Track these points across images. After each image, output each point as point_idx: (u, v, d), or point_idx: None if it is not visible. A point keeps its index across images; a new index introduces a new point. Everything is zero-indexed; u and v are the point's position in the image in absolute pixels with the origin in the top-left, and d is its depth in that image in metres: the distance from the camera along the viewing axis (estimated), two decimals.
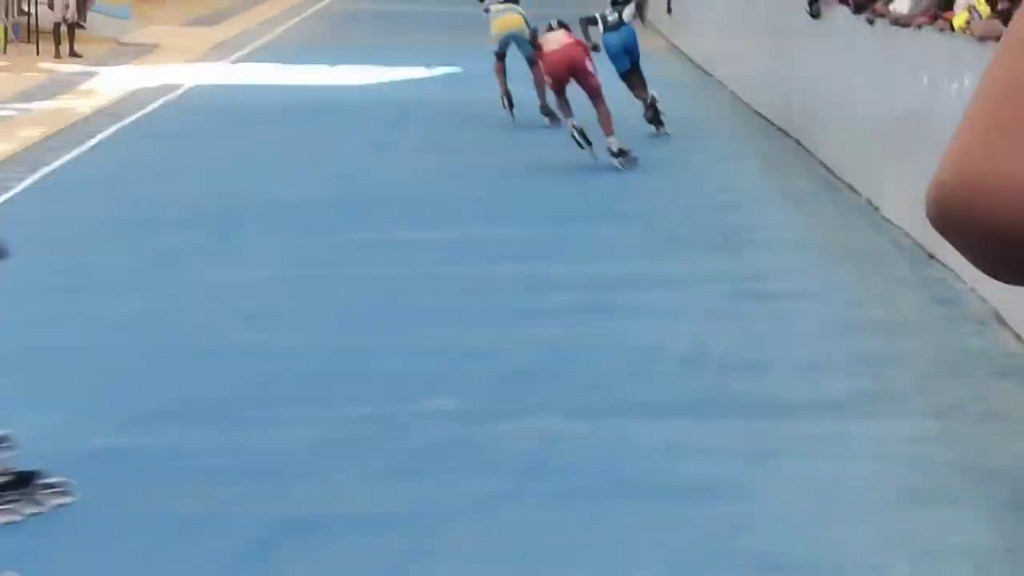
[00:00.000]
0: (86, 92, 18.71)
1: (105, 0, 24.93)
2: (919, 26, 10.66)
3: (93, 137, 15.34)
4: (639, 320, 8.99)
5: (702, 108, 18.00)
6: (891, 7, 11.62)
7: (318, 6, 30.20)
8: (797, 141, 14.92)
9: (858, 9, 12.49)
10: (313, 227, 11.50)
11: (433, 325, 8.90)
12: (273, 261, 10.41)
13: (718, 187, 13.32)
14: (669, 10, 24.89)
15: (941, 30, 10.08)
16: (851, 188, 12.63)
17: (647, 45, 24.66)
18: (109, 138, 15.43)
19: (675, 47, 24.02)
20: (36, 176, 13.32)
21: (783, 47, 15.92)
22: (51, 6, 21.76)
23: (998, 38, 8.94)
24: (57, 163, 13.95)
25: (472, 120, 17.29)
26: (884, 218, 11.46)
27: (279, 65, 21.35)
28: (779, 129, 15.76)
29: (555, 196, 12.73)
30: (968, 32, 9.40)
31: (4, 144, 14.81)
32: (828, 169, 13.47)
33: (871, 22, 11.97)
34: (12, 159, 14.11)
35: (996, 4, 9.16)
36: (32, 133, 15.51)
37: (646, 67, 16.46)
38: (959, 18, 9.76)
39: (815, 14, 14.13)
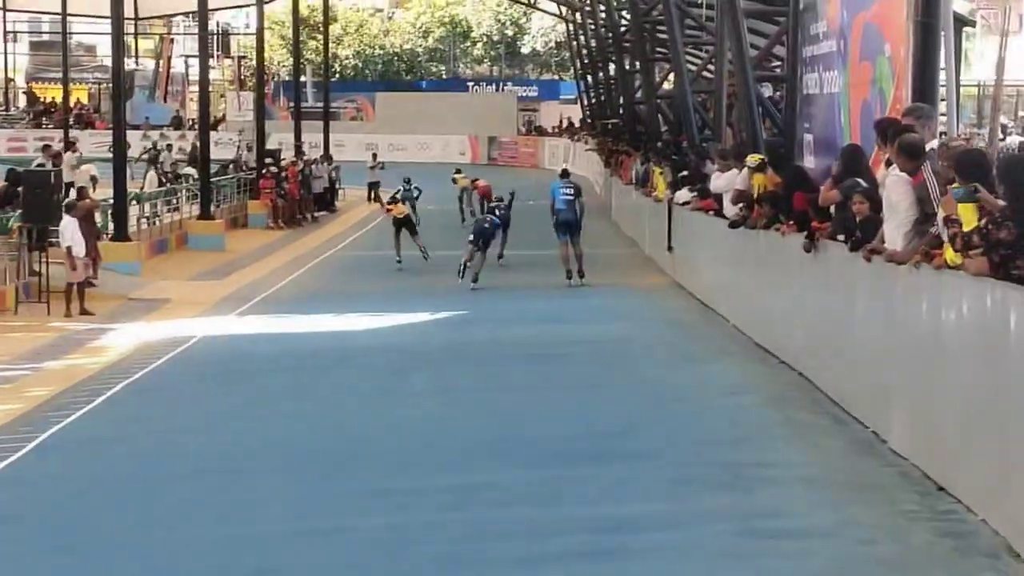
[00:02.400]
0: (96, 350, 18.87)
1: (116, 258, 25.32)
2: (916, 264, 10.81)
3: (101, 395, 15.41)
4: (649, 563, 8.91)
5: (705, 343, 18.12)
6: (885, 245, 11.81)
7: (322, 256, 30.63)
8: (801, 374, 14.96)
9: (854, 247, 12.67)
10: (318, 477, 11.49)
11: (440, 574, 8.82)
12: (278, 514, 10.37)
13: (724, 423, 13.31)
14: (670, 248, 25.22)
15: (938, 268, 10.21)
16: (857, 421, 12.61)
17: (649, 281, 25.09)
18: (117, 395, 15.51)
19: (676, 283, 24.30)
20: (43, 436, 13.35)
21: (782, 281, 16.10)
22: (73, 267, 22.05)
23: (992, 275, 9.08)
24: (65, 422, 13.99)
25: (478, 362, 17.43)
26: (891, 450, 11.43)
27: (285, 315, 21.58)
28: (782, 362, 15.82)
29: (561, 437, 12.72)
30: (963, 269, 9.55)
31: (13, 404, 14.89)
32: (834, 402, 13.47)
33: (868, 259, 12.13)
34: (20, 420, 14.16)
35: (980, 226, 9.29)
36: (41, 393, 15.60)
37: (649, 302, 16.73)
38: (949, 252, 9.92)
39: (808, 248, 14.34)
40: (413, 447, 12.59)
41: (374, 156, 47.22)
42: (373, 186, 45.14)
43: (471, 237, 25.18)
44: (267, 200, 37.25)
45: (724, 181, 20.15)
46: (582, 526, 9.74)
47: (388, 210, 29.25)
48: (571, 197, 25.25)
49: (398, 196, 30.12)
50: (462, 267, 24.79)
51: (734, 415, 13.59)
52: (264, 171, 38.00)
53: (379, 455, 12.25)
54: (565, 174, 27.02)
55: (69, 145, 42.63)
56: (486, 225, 25.53)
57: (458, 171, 40.85)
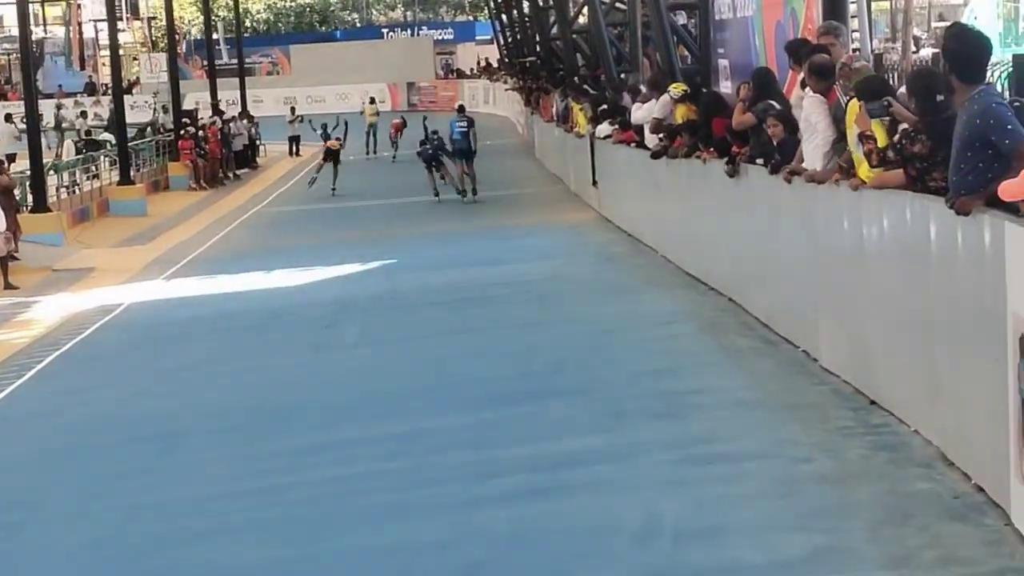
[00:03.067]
0: (23, 323, 18.68)
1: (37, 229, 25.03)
2: (836, 182, 10.89)
3: (31, 369, 15.27)
4: (589, 498, 8.96)
5: (634, 275, 18.20)
6: (804, 165, 11.89)
7: (246, 215, 30.43)
8: (730, 299, 15.06)
9: (774, 171, 12.73)
10: (255, 436, 11.46)
11: (383, 522, 8.85)
12: (218, 475, 10.34)
13: (657, 353, 13.40)
14: (595, 183, 25.27)
15: (855, 188, 10.28)
16: (788, 341, 12.72)
17: (576, 217, 25.16)
18: (47, 368, 15.38)
19: (603, 218, 24.36)
20: None
21: (707, 209, 16.17)
22: None
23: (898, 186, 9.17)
24: None
25: (409, 310, 17.41)
26: (823, 368, 11.54)
27: (213, 276, 21.45)
28: (711, 289, 15.92)
29: (496, 379, 12.75)
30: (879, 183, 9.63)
31: None
32: (764, 325, 13.58)
33: (789, 181, 12.20)
34: None
35: (894, 141, 9.36)
36: None
37: (577, 238, 16.91)
38: (862, 169, 10.00)
39: (731, 173, 14.39)
40: (349, 399, 12.58)
41: (292, 110, 46.94)
42: (294, 140, 44.86)
43: (425, 166, 30.25)
44: (187, 161, 36.93)
45: (644, 112, 20.16)
46: (522, 465, 9.78)
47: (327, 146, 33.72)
48: (465, 128, 29.93)
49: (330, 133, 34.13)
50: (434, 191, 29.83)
51: (666, 344, 13.68)
52: (183, 132, 37.64)
53: (315, 410, 12.21)
54: (461, 110, 32.14)
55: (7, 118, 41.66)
56: (430, 151, 30.00)
57: (372, 100, 42.41)
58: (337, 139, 33.94)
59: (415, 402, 12.18)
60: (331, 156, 33.40)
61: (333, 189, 33.13)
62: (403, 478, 9.80)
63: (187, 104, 43.89)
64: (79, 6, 74.86)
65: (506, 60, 58.06)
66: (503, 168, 37.58)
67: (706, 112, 16.29)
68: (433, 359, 14.08)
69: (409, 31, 77.43)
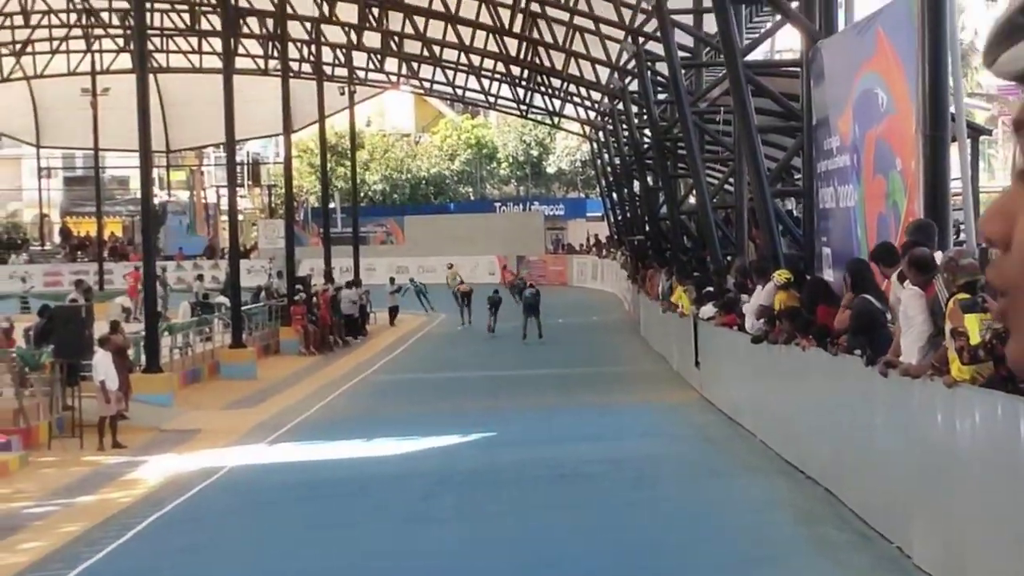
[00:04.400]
0: (128, 483, 19.02)
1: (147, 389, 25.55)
2: (931, 376, 10.91)
3: (131, 529, 15.53)
4: None
5: (732, 458, 18.17)
6: (900, 358, 11.93)
7: (351, 382, 30.81)
8: (827, 489, 14.98)
9: (870, 362, 12.76)
10: None
11: None
12: None
13: (750, 541, 13.34)
14: (697, 364, 25.34)
15: (949, 386, 10.30)
16: (882, 536, 12.61)
17: (677, 397, 25.19)
18: (147, 529, 15.63)
19: (704, 398, 24.38)
20: (76, 572, 13.47)
21: (805, 396, 16.17)
22: (107, 399, 22.30)
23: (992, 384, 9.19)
24: (96, 558, 14.11)
25: (506, 485, 17.50)
26: (916, 566, 11.43)
27: (316, 442, 21.72)
28: (808, 477, 15.84)
29: (588, 559, 12.77)
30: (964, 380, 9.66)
31: (44, 541, 15.02)
32: (859, 517, 13.48)
33: (884, 374, 12.23)
34: (51, 556, 14.29)
35: (985, 340, 9.40)
36: (72, 528, 15.73)
37: (677, 418, 17.18)
38: (955, 366, 10.04)
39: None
40: (440, 575, 12.66)
41: (392, 281, 47.84)
42: (393, 311, 45.62)
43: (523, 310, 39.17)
44: (299, 326, 37.59)
45: (752, 298, 20.29)
46: None
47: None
48: (535, 291, 39.52)
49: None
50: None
51: (760, 533, 13.62)
52: (295, 298, 38.43)
53: None
54: (531, 285, 41.81)
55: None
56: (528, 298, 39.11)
57: (450, 265, 44.41)
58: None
59: None
60: (465, 298, 42.36)
61: (464, 324, 41.16)
62: None
63: (301, 270, 44.82)
64: (202, 172, 77.08)
65: (615, 237, 58.67)
66: (608, 344, 37.83)
67: (811, 299, 16.40)
68: (529, 536, 14.14)
69: (521, 206, 78.57)
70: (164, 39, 53.40)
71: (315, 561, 13.50)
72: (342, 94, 52.70)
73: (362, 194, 72.13)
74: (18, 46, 53.21)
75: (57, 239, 72.63)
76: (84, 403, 23.02)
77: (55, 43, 53.74)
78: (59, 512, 16.86)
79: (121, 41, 52.98)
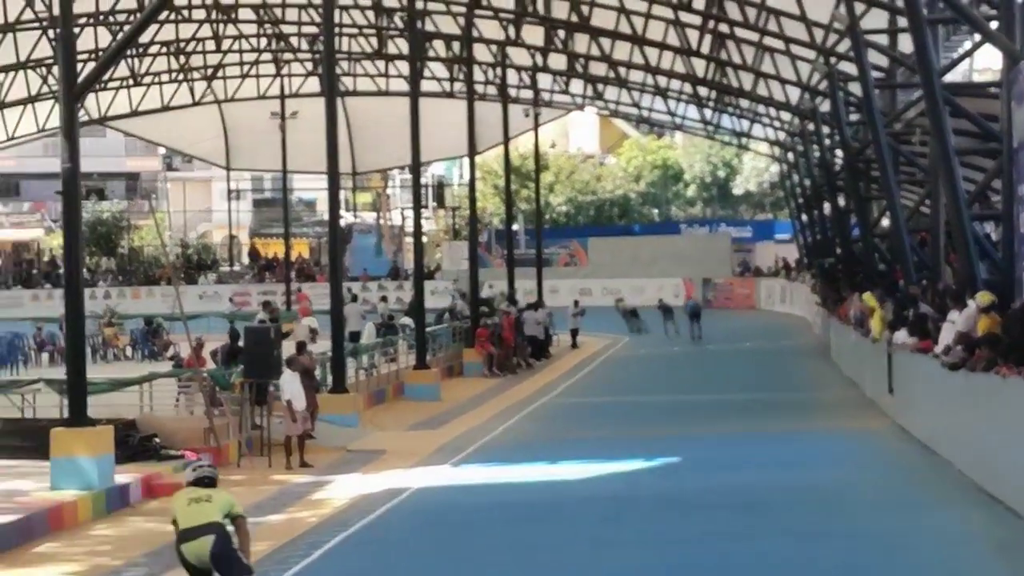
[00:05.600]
0: (315, 502, 19.14)
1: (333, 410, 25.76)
2: None
3: (319, 548, 15.60)
4: None
5: (926, 488, 17.62)
6: None
7: (534, 405, 30.70)
8: None
9: None
10: None
11: None
12: None
13: (946, 575, 12.84)
14: (891, 390, 24.67)
15: None
16: None
17: (868, 424, 24.55)
18: (334, 548, 15.68)
19: (898, 426, 23.72)
20: None
21: (1005, 424, 15.55)
22: (293, 419, 22.57)
23: None
24: None
25: (690, 510, 17.23)
26: None
27: (499, 465, 21.64)
28: (1009, 508, 15.22)
29: None
30: None
31: None
32: None
33: None
34: None
35: None
36: (260, 547, 15.80)
37: (868, 446, 16.85)
38: None
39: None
40: None
41: (576, 303, 47.77)
42: (574, 332, 45.53)
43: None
44: (483, 348, 37.69)
45: (948, 325, 19.67)
46: None
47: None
48: (696, 303, 49.03)
49: None
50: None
51: (955, 566, 13.11)
52: (481, 321, 38.56)
53: None
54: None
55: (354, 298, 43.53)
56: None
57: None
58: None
59: None
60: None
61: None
62: None
63: (485, 292, 44.96)
64: (388, 196, 78.03)
65: (805, 260, 57.75)
66: (797, 369, 37.18)
67: (1020, 327, 15.78)
68: (711, 564, 13.83)
69: (707, 227, 77.91)
70: (352, 63, 54.15)
71: None
72: (527, 116, 52.80)
73: (546, 216, 72.28)
74: (210, 71, 54.36)
75: (245, 260, 74.18)
76: (272, 423, 23.32)
77: (245, 67, 54.79)
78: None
79: (310, 65, 53.82)
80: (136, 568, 14.77)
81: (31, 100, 53.30)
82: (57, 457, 18.71)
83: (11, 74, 50.83)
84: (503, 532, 16.52)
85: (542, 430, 26.47)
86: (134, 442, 21.16)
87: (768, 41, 37.69)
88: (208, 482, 11.53)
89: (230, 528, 11.22)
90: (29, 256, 75.67)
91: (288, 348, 25.32)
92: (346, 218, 61.91)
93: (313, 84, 53.75)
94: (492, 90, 52.32)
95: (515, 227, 61.76)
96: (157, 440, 21.66)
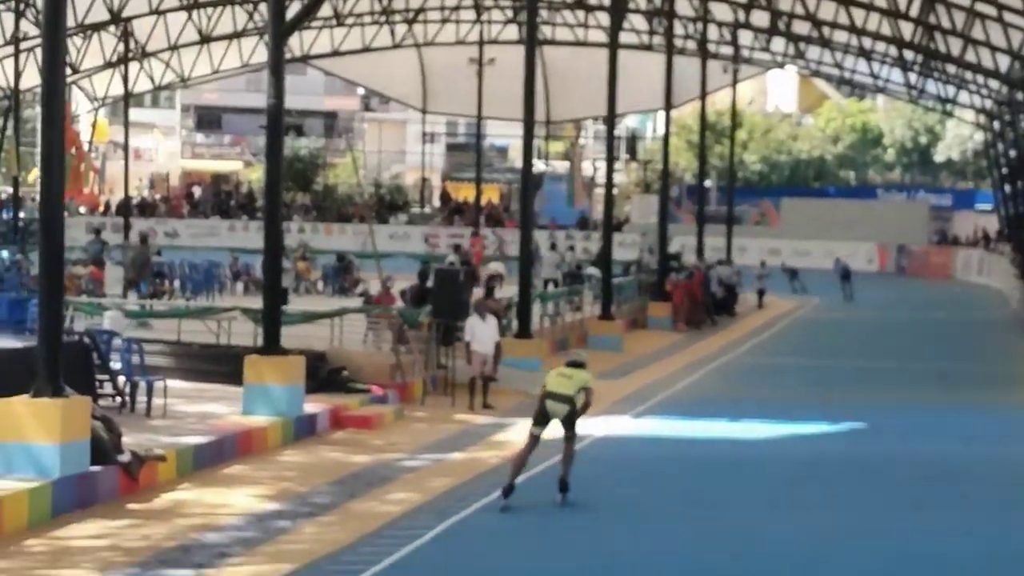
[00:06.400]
0: (496, 443, 19.32)
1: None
2: None
3: (498, 488, 15.72)
4: None
5: None
6: None
7: (717, 362, 30.49)
8: None
9: None
10: None
11: None
12: None
13: None
14: None
15: None
16: None
17: None
18: (515, 488, 15.80)
19: None
20: (444, 525, 13.77)
21: None
22: (469, 361, 22.82)
23: None
24: (464, 513, 14.39)
25: (873, 477, 17.00)
26: None
27: (680, 419, 21.58)
28: None
29: (961, 562, 12.20)
30: None
31: (416, 494, 15.40)
32: None
33: None
34: (421, 508, 14.64)
35: None
36: (442, 483, 16.08)
37: None
38: None
39: None
40: (804, 563, 12.34)
41: (763, 264, 47.23)
42: (760, 293, 45.05)
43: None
44: (678, 301, 37.59)
45: None
46: None
47: None
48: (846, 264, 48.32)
49: None
50: None
51: None
52: (673, 275, 38.48)
53: (767, 571, 12.04)
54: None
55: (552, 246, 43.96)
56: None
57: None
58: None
59: (865, 572, 11.83)
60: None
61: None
62: None
63: (672, 247, 44.72)
64: (581, 146, 77.97)
65: (1005, 232, 56.21)
66: (992, 342, 36.39)
67: None
68: (894, 533, 13.65)
69: (905, 193, 76.24)
70: (551, 12, 54.16)
71: (670, 543, 13.38)
72: (725, 72, 52.24)
73: (739, 174, 71.54)
74: (411, 14, 54.92)
75: (436, 202, 74.88)
76: (457, 364, 23.58)
77: (446, 12, 55.20)
78: (430, 467, 17.27)
79: (510, 12, 53.99)
80: (321, 495, 15.09)
81: (237, 36, 54.54)
82: (250, 383, 19.19)
83: (219, 9, 52.06)
84: (682, 485, 16.52)
85: (725, 387, 26.31)
86: (323, 374, 21.57)
87: (979, 7, 36.62)
88: (575, 365, 15.82)
89: (580, 399, 15.46)
90: (227, 188, 77.48)
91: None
92: (538, 166, 61.97)
93: (512, 31, 53.95)
94: (691, 45, 51.84)
95: (707, 184, 61.22)
96: (345, 373, 22.06)
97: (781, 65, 58.36)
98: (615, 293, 35.13)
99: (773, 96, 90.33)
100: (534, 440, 15.37)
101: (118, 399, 18.69)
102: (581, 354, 16.78)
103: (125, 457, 14.90)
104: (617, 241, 42.76)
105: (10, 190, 57.61)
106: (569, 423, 15.47)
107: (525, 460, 15.27)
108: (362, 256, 42.31)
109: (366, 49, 58.25)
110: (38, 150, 17.09)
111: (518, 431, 20.33)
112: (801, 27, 47.72)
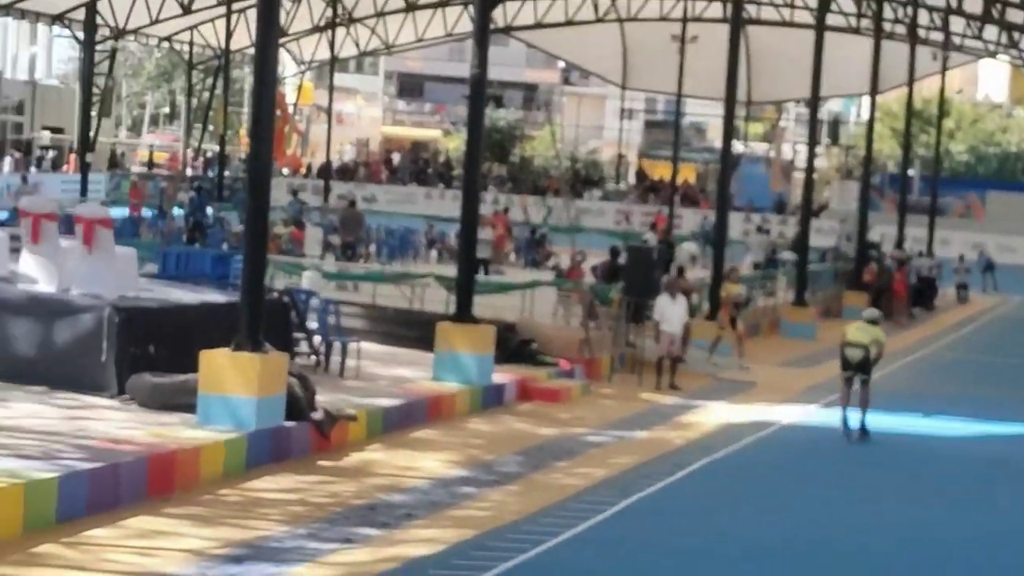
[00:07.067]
0: (681, 424, 19.27)
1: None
2: None
3: (683, 469, 15.75)
4: None
5: None
6: None
7: (917, 354, 29.86)
8: None
9: None
10: None
11: None
12: None
13: None
14: None
15: None
16: None
17: None
18: (697, 471, 15.80)
19: None
20: (627, 502, 13.81)
21: None
22: (657, 339, 22.76)
23: None
24: (648, 491, 14.43)
25: None
26: None
27: (871, 412, 21.18)
28: None
29: None
30: None
31: (600, 468, 15.46)
32: None
33: None
34: (606, 483, 14.69)
35: None
36: (626, 460, 16.11)
37: None
38: None
39: None
40: (987, 567, 12.11)
41: (961, 258, 46.07)
42: (961, 287, 43.98)
43: None
44: (900, 293, 37.06)
45: None
46: None
47: None
48: None
49: None
50: None
51: None
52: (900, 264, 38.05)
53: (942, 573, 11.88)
54: None
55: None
56: None
57: None
58: None
59: None
60: None
61: None
62: None
63: (872, 235, 43.89)
64: (782, 128, 77.00)
65: None
66: None
67: None
68: None
69: None
70: None
71: (843, 532, 13.25)
72: (934, 59, 51.02)
73: (944, 164, 69.86)
74: None
75: (632, 179, 74.64)
76: (646, 342, 23.54)
77: None
78: (614, 444, 17.30)
79: None
80: (506, 464, 15.24)
81: (442, 4, 55.06)
82: (441, 350, 19.43)
83: None
84: (866, 479, 16.28)
85: (921, 381, 25.80)
86: (513, 345, 21.71)
87: None
88: (871, 322, 19.29)
89: (873, 349, 18.85)
90: (426, 155, 78.36)
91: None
92: (736, 147, 61.37)
93: (716, 9, 53.39)
94: (900, 29, 50.73)
95: (910, 173, 59.91)
96: (535, 345, 22.18)
97: (993, 54, 56.74)
98: (810, 280, 34.64)
99: (983, 86, 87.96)
100: (847, 382, 18.94)
101: (313, 358, 19.09)
102: (874, 312, 19.93)
103: (318, 415, 15.22)
104: (814, 227, 42.08)
105: (216, 148, 59.18)
106: (864, 369, 18.77)
107: (847, 398, 18.84)
108: (555, 230, 42.45)
109: (568, 22, 58.29)
110: (245, 110, 17.47)
111: (704, 413, 20.25)
112: (1015, 15, 46.35)
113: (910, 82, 46.95)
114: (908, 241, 45.72)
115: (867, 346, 18.78)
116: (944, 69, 51.43)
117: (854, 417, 18.81)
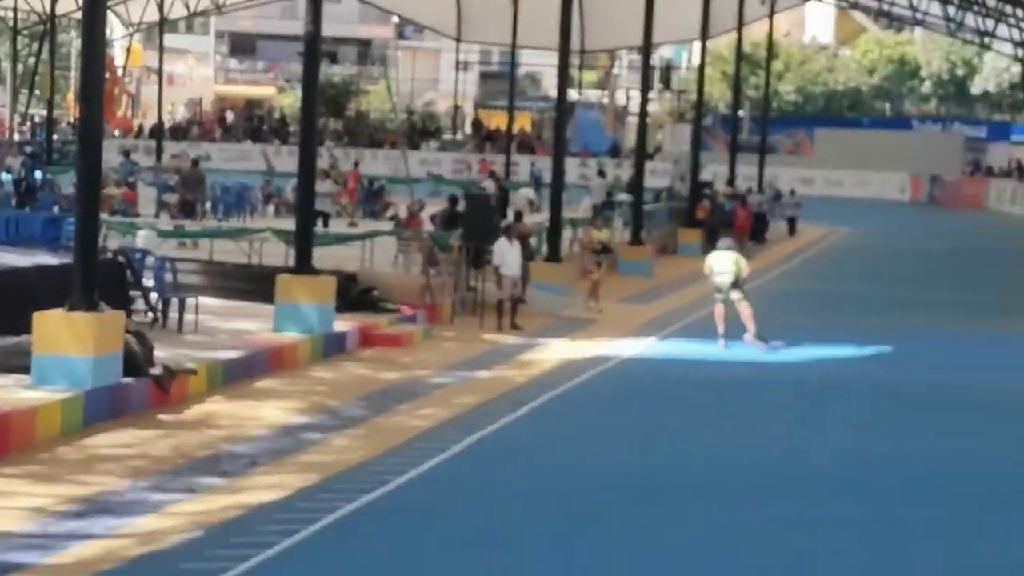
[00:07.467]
0: (522, 363, 19.49)
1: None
2: None
3: (525, 405, 15.96)
4: None
5: None
6: None
7: (748, 286, 30.51)
8: None
9: None
10: (728, 499, 11.59)
11: None
12: (694, 529, 10.55)
13: None
14: None
15: None
16: None
17: None
18: (540, 407, 16.02)
19: None
20: (470, 440, 13.96)
21: None
22: (499, 285, 22.94)
23: None
24: (489, 429, 14.58)
25: (899, 401, 17.14)
26: None
27: (706, 341, 21.66)
28: None
29: (982, 478, 12.34)
30: None
31: (442, 409, 15.60)
32: None
33: None
34: (448, 423, 14.83)
35: None
36: (469, 400, 16.27)
37: None
38: None
39: None
40: (827, 477, 12.53)
41: (792, 192, 47.14)
42: (791, 220, 45.01)
43: None
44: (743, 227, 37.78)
45: None
46: (998, 564, 9.46)
47: None
48: None
49: None
50: None
51: None
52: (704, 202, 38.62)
53: (792, 483, 12.25)
54: None
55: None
56: None
57: None
58: None
59: (893, 490, 11.98)
60: None
61: None
62: (870, 564, 9.69)
63: (705, 175, 44.63)
64: (616, 75, 77.64)
65: None
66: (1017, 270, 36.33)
67: None
68: (921, 452, 13.82)
69: (940, 125, 75.71)
70: None
71: (696, 456, 13.57)
72: (762, 3, 51.85)
73: (773, 104, 71.14)
74: None
75: (468, 130, 74.76)
76: (486, 286, 23.72)
77: None
78: (457, 384, 17.46)
79: None
80: (350, 410, 15.30)
81: None
82: (281, 302, 19.39)
83: None
84: (707, 404, 16.67)
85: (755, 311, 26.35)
86: (354, 294, 21.71)
87: None
88: (727, 248, 21.63)
89: (738, 269, 21.11)
90: (260, 113, 77.52)
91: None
92: (571, 95, 61.74)
93: None
94: None
95: (741, 113, 60.91)
96: (375, 293, 22.23)
97: None
98: (645, 220, 35.16)
99: (810, 28, 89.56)
100: (723, 302, 21.09)
101: (150, 315, 18.92)
102: (729, 241, 22.40)
103: (156, 370, 15.13)
104: (649, 169, 42.64)
105: (44, 113, 57.96)
106: (737, 287, 21.08)
107: (723, 317, 20.97)
108: (394, 181, 42.42)
109: None
110: (72, 75, 17.21)
111: (545, 351, 20.51)
112: None
113: (739, 26, 47.71)
114: (740, 179, 46.58)
115: (732, 271, 21.02)
116: (772, 12, 52.29)
117: (746, 335, 21.00)
